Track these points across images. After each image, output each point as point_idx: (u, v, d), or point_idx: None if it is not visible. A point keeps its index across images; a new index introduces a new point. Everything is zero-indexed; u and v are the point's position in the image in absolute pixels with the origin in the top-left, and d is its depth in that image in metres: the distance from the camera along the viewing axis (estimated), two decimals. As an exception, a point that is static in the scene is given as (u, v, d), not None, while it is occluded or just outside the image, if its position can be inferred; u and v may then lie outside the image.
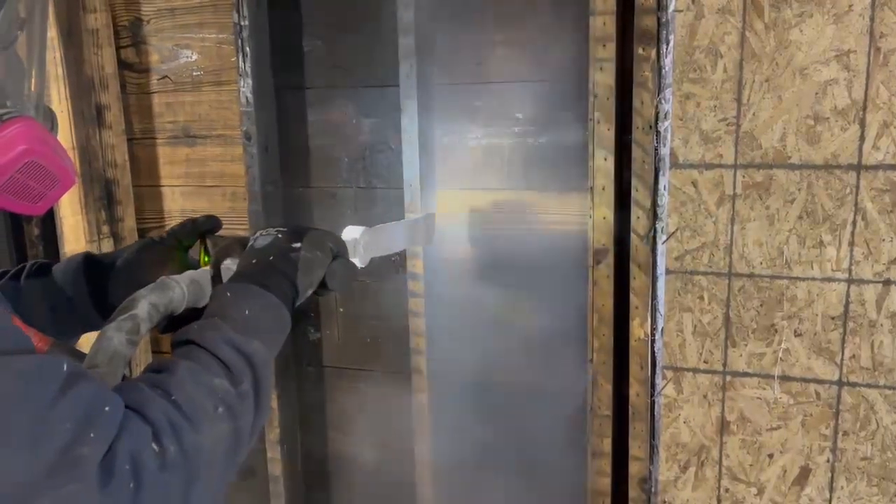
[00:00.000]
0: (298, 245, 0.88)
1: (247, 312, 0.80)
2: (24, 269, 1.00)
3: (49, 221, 1.90)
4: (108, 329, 0.80)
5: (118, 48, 1.89)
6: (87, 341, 0.86)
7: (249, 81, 1.72)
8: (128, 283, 0.93)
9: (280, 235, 0.90)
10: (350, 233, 1.03)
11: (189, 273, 0.91)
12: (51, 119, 0.83)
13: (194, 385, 0.73)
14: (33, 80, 0.79)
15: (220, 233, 1.04)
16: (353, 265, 0.96)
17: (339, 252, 0.94)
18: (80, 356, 0.80)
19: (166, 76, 1.88)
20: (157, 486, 0.66)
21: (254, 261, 0.87)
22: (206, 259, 1.00)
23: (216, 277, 0.91)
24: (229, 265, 0.90)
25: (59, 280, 0.99)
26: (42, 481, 0.61)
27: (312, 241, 0.90)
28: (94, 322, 0.97)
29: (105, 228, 1.92)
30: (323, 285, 0.91)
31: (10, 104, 0.75)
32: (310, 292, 0.90)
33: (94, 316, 0.98)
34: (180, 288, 0.87)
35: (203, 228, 1.03)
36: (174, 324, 0.86)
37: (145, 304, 0.83)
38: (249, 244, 0.90)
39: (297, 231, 0.91)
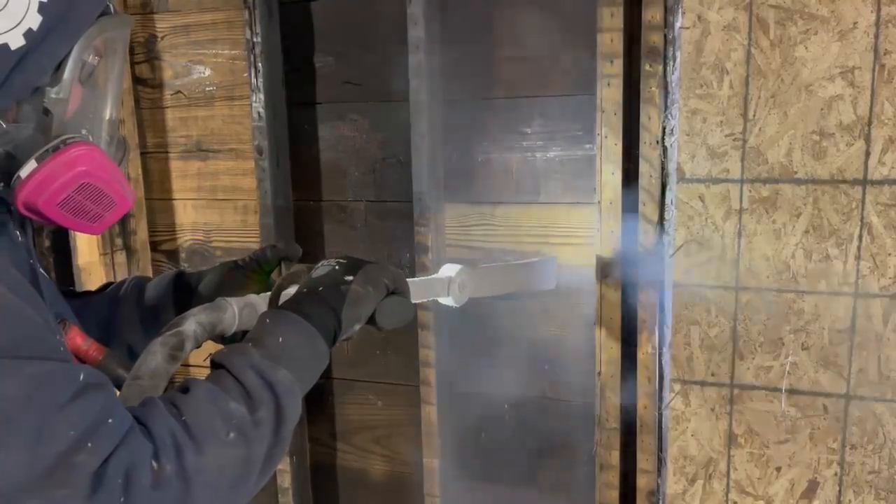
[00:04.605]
0: (350, 278, 0.88)
1: (280, 340, 0.81)
2: (124, 282, 1.05)
3: (61, 233, 1.92)
4: (153, 344, 0.83)
5: (133, 64, 1.92)
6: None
7: (261, 97, 1.75)
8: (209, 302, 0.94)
9: (337, 267, 0.90)
10: (446, 270, 1.02)
11: (248, 297, 0.93)
12: (123, 148, 0.89)
13: (209, 407, 0.73)
14: (108, 110, 0.85)
15: (235, 249, 1.06)
16: (407, 304, 0.94)
17: (397, 289, 0.92)
18: (130, 368, 0.83)
19: (180, 91, 1.91)
20: (146, 502, 0.67)
21: (305, 290, 0.88)
22: None
23: (275, 303, 0.92)
24: (290, 292, 0.91)
25: (151, 296, 1.03)
26: (34, 483, 0.63)
27: (366, 275, 0.89)
28: None
29: (118, 241, 1.95)
30: (374, 321, 0.91)
31: (86, 132, 0.81)
32: (357, 327, 0.89)
33: None
34: (232, 310, 0.89)
35: (283, 255, 1.06)
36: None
37: (192, 323, 0.85)
38: (310, 273, 0.91)
39: (355, 264, 0.91)
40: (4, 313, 0.67)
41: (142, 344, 0.90)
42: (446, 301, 1.05)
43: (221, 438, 0.73)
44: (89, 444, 0.65)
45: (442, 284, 1.01)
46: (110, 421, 0.67)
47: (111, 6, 0.83)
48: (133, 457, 0.67)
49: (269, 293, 0.95)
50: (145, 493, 0.67)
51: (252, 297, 0.93)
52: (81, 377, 0.68)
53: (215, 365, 0.79)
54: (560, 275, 1.62)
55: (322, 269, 0.90)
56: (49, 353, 0.69)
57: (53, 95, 0.78)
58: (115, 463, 0.66)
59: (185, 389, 0.76)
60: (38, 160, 0.77)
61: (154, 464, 0.68)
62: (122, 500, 0.65)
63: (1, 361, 0.64)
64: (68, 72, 0.78)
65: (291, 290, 0.92)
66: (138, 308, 1.02)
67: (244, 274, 1.04)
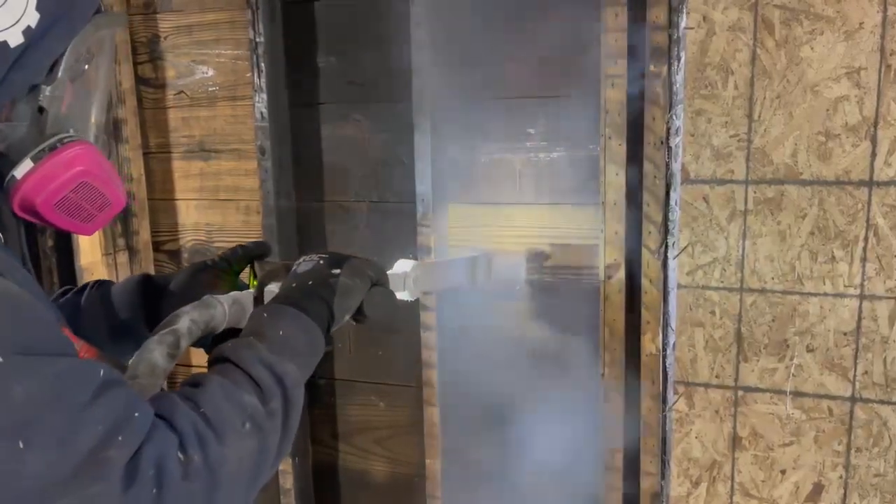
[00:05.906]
0: (338, 271, 0.90)
1: (281, 333, 0.82)
2: (85, 287, 1.04)
3: (64, 234, 1.92)
4: (149, 342, 0.84)
5: (136, 64, 1.91)
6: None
7: (264, 97, 1.74)
8: (180, 304, 0.95)
9: (321, 262, 0.92)
10: (401, 266, 1.05)
11: (233, 294, 0.94)
12: (108, 147, 0.89)
13: (224, 400, 0.74)
14: (96, 111, 0.85)
15: (232, 247, 1.07)
16: (391, 294, 0.97)
17: (380, 281, 0.95)
18: (124, 368, 0.84)
19: (182, 91, 1.91)
20: (179, 493, 0.68)
21: (294, 284, 0.89)
22: (255, 283, 1.03)
23: (259, 299, 0.94)
24: (273, 288, 0.93)
25: (117, 300, 1.03)
26: (68, 480, 0.63)
27: (352, 268, 0.92)
28: None
29: (120, 241, 1.94)
30: (361, 312, 0.93)
31: (74, 132, 0.81)
32: (347, 318, 0.92)
33: (148, 336, 1.00)
34: (222, 307, 0.91)
35: (253, 254, 1.08)
36: (217, 342, 0.89)
37: (186, 320, 0.87)
38: (293, 269, 0.93)
39: (338, 258, 0.93)
40: (21, 311, 0.67)
41: (109, 350, 0.91)
42: (402, 295, 1.07)
43: (239, 430, 0.74)
44: (119, 438, 0.65)
45: (398, 280, 1.03)
46: (137, 415, 0.67)
47: (102, 4, 0.83)
48: (161, 449, 0.67)
49: (251, 290, 0.96)
50: (177, 484, 0.67)
51: (237, 294, 0.95)
52: (101, 373, 0.68)
53: (220, 360, 0.80)
54: (561, 275, 1.61)
55: (306, 264, 0.92)
56: (65, 350, 0.70)
57: (48, 93, 0.78)
58: (146, 456, 0.66)
59: (195, 384, 0.77)
60: (34, 159, 0.77)
61: (181, 455, 0.69)
62: (154, 492, 0.66)
63: (24, 359, 0.64)
64: (63, 70, 0.78)
65: (273, 286, 0.93)
66: (105, 314, 1.02)
67: (214, 273, 1.05)
